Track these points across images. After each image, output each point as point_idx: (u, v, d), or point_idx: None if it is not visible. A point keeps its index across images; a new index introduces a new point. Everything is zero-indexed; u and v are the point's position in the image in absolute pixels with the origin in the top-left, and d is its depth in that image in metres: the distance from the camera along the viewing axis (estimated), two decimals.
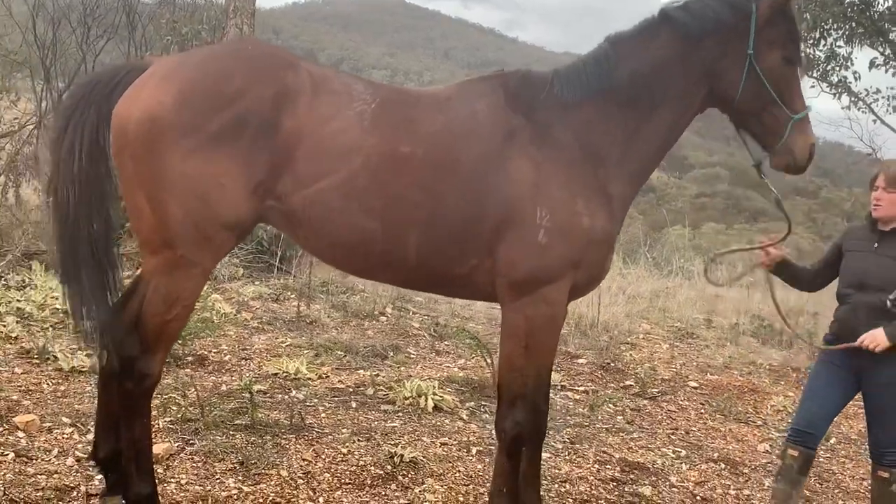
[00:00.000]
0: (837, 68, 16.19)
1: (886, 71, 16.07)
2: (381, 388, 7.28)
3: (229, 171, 3.86)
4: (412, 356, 8.74)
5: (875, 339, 4.79)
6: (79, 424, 5.56)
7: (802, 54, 4.42)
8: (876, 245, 5.01)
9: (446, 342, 9.48)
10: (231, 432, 5.77)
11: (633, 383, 8.72)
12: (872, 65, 16.22)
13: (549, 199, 4.04)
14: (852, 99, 16.50)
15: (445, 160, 4.06)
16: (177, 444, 5.48)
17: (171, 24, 12.38)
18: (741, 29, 4.23)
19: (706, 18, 4.22)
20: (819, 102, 17.07)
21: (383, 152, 4.01)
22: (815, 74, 16.20)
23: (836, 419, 8.16)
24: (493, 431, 6.45)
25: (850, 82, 16.37)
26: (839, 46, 16.02)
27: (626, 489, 5.84)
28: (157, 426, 5.72)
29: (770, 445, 7.27)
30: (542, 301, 4.12)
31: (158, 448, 5.30)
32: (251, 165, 3.88)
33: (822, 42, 15.73)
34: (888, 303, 4.84)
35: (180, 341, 7.25)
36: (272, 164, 3.92)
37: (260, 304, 9.76)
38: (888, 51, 15.92)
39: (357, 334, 9.20)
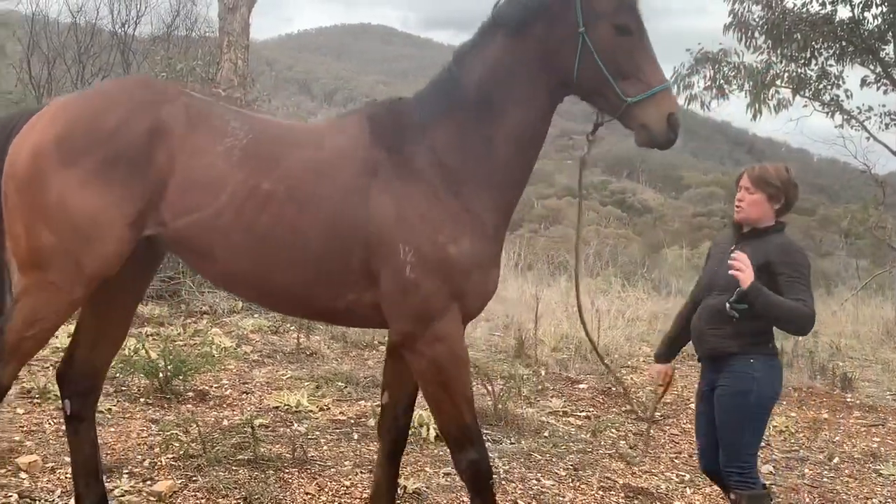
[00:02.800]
0: (829, 87, 16.26)
1: (878, 89, 16.14)
2: None
3: (104, 205, 3.95)
4: None
5: (742, 265, 4.47)
6: None
7: (641, 20, 4.06)
8: (732, 247, 4.75)
9: None
10: (234, 468, 5.76)
11: (634, 407, 8.70)
12: (864, 83, 16.27)
13: (411, 234, 3.95)
14: (845, 117, 16.54)
15: (306, 198, 4.01)
16: (180, 482, 5.46)
17: (165, 61, 12.46)
18: (566, 7, 4.00)
19: (525, 6, 4.06)
20: (812, 121, 17.07)
21: (247, 189, 4.01)
22: (807, 94, 16.27)
23: (838, 438, 8.21)
24: (498, 460, 6.47)
25: (843, 100, 16.45)
26: (830, 65, 16.11)
27: None
28: (159, 463, 5.73)
29: (773, 467, 7.25)
30: (435, 340, 4.01)
31: (161, 486, 5.30)
32: (126, 198, 3.97)
33: (814, 61, 15.80)
34: (727, 305, 4.58)
35: (181, 377, 7.26)
36: (148, 196, 3.99)
37: (259, 337, 9.76)
38: (878, 69, 16.00)
39: (357, 364, 9.20)
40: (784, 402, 9.64)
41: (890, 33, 15.37)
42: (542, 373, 9.74)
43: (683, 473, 6.78)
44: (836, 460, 7.62)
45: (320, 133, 4.35)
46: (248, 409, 7.09)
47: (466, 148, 4.11)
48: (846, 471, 7.34)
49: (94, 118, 4.05)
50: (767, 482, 6.78)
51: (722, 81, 15.63)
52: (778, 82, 15.97)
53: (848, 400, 9.99)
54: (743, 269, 4.46)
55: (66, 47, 12.69)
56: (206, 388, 7.61)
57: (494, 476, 4.35)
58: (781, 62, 15.56)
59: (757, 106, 15.65)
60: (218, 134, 4.11)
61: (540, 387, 9.16)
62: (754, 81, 15.40)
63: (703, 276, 5.01)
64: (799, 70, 15.76)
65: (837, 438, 8.27)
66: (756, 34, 15.07)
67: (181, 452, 5.89)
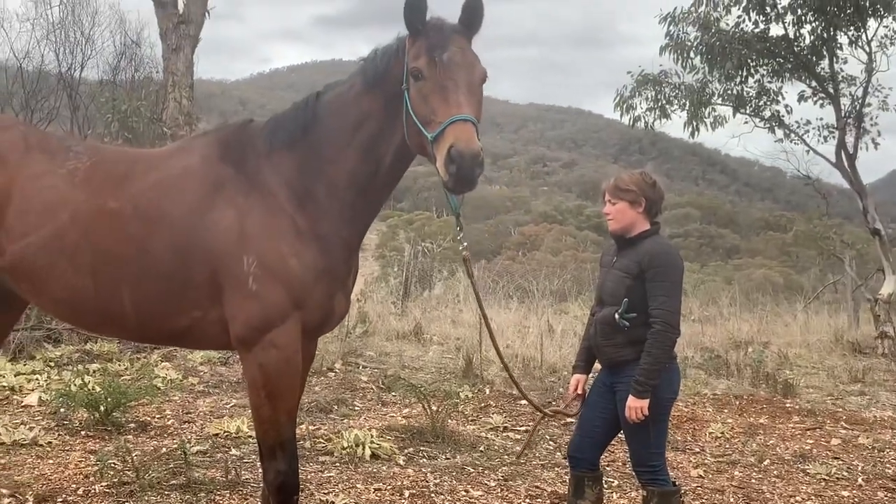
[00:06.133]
0: (769, 103, 16.56)
1: (815, 103, 16.46)
2: (321, 440, 7.45)
3: None
4: (357, 408, 8.90)
5: (632, 410, 4.71)
6: (17, 495, 5.71)
7: (434, 60, 3.95)
8: (614, 259, 4.96)
9: (393, 393, 9.65)
10: (166, 492, 5.92)
11: (575, 421, 8.85)
12: (801, 98, 16.59)
13: (255, 245, 4.12)
14: (784, 132, 16.85)
15: (153, 214, 4.22)
16: None
17: (110, 102, 12.67)
18: (399, 67, 4.12)
19: (376, 64, 4.23)
20: (756, 136, 17.24)
21: (92, 208, 4.23)
22: (747, 111, 16.58)
23: (772, 442, 8.42)
24: (430, 475, 6.66)
25: (783, 116, 16.75)
26: (769, 82, 16.41)
27: None
28: (93, 491, 5.88)
29: (703, 470, 7.44)
30: (272, 346, 4.14)
31: None
32: None
33: (751, 79, 16.08)
34: (616, 316, 4.78)
35: (120, 409, 7.41)
36: None
37: (208, 369, 9.91)
38: (814, 83, 16.30)
39: (304, 391, 9.34)
40: (725, 411, 9.86)
41: (824, 48, 15.71)
42: (487, 391, 9.92)
43: (612, 479, 6.97)
44: (766, 462, 7.82)
45: (170, 154, 4.57)
46: (189, 437, 7.23)
47: (316, 174, 4.30)
48: (775, 472, 7.54)
49: None
50: (696, 485, 7.02)
51: (664, 101, 15.98)
52: (717, 99, 16.32)
53: (787, 406, 10.21)
54: (640, 408, 4.69)
55: (13, 94, 12.97)
56: (149, 419, 7.76)
57: (301, 494, 4.47)
58: (720, 80, 15.87)
59: (694, 123, 16.02)
60: (59, 157, 4.35)
61: (483, 404, 9.36)
62: (691, 100, 15.75)
63: (596, 290, 5.18)
64: (737, 88, 16.08)
65: (771, 442, 8.48)
66: (691, 54, 15.39)
67: (115, 480, 6.05)
